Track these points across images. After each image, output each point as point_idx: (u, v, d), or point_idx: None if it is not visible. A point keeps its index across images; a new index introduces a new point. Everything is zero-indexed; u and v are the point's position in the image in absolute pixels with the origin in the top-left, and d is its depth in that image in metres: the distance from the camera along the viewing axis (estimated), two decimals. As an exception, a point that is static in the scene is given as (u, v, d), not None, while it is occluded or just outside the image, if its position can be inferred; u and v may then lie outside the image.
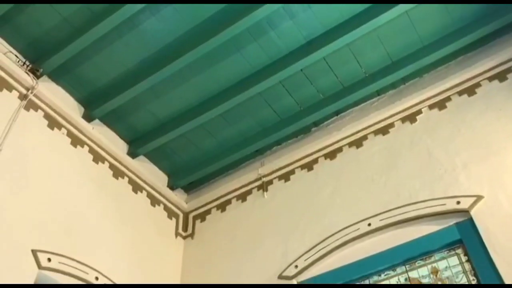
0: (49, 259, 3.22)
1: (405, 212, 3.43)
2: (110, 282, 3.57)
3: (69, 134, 3.93)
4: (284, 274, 3.71)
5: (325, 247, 3.66)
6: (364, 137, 4.11)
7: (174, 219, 4.73)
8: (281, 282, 3.68)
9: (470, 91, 3.77)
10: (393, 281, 3.31)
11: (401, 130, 3.96)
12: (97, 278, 3.50)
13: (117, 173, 4.26)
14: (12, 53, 3.70)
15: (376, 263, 3.39)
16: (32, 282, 3.06)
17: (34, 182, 3.40)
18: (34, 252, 3.15)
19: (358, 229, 3.57)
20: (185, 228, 4.74)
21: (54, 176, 3.59)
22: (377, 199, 3.65)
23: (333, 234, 3.67)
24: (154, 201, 4.56)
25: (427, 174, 3.52)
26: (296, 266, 3.69)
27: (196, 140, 4.57)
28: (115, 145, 4.32)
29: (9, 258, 2.98)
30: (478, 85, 3.76)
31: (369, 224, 3.54)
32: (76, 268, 3.38)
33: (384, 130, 4.04)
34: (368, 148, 4.03)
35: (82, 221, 3.64)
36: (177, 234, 4.65)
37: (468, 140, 3.51)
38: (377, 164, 3.86)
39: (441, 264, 3.19)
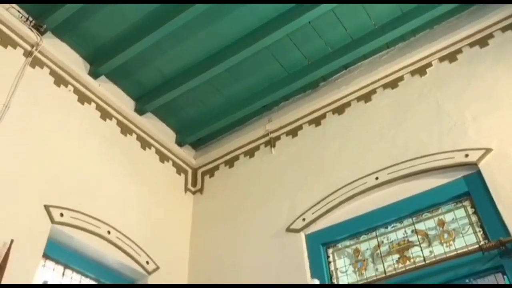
0: (61, 214, 3.28)
1: (413, 166, 3.44)
2: (122, 236, 3.65)
3: (76, 91, 3.92)
4: (292, 227, 3.77)
5: (332, 200, 3.70)
6: (373, 91, 4.07)
7: (183, 175, 4.78)
8: (289, 234, 3.75)
9: (482, 42, 3.69)
10: (400, 233, 3.35)
11: (410, 83, 3.91)
12: (109, 232, 3.58)
13: (125, 130, 4.28)
14: (15, 8, 3.64)
15: (383, 216, 3.42)
16: (46, 237, 3.13)
17: (44, 139, 3.43)
18: (46, 207, 3.21)
19: (366, 182, 3.59)
20: (194, 184, 4.80)
21: (63, 133, 3.61)
22: (385, 153, 3.65)
23: (340, 188, 3.70)
24: (163, 158, 4.60)
25: (436, 128, 3.50)
26: (304, 219, 3.74)
27: (203, 96, 4.54)
28: (122, 102, 4.31)
29: (23, 214, 3.05)
30: (490, 36, 3.67)
31: (377, 178, 3.56)
32: (88, 223, 3.45)
33: (393, 84, 3.99)
34: (377, 102, 4.00)
35: (92, 177, 3.69)
36: (186, 189, 4.71)
37: (478, 93, 3.46)
38: (386, 118, 3.84)
39: (448, 217, 3.22)
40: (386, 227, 3.43)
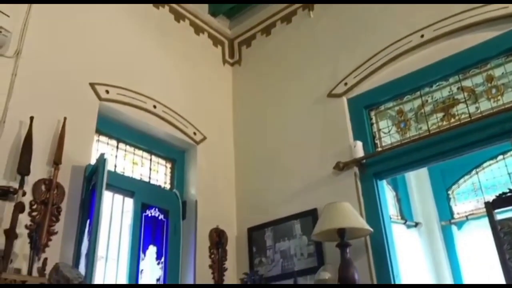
0: (107, 91, 3.37)
1: (462, 20, 3.23)
2: (167, 110, 3.76)
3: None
4: (334, 92, 3.76)
5: (375, 62, 3.60)
6: None
7: (219, 47, 4.71)
8: (331, 100, 3.75)
9: None
10: (445, 91, 3.29)
11: None
12: (155, 107, 3.68)
13: (158, 3, 4.16)
14: None
15: (428, 75, 3.33)
16: (96, 113, 3.26)
17: (85, 18, 3.39)
18: (92, 85, 3.29)
19: (411, 41, 3.44)
20: (231, 55, 4.75)
21: (103, 12, 3.55)
22: (431, 8, 3.43)
23: (383, 49, 3.57)
24: (198, 30, 4.51)
25: (488, -25, 3.21)
26: (346, 84, 3.71)
27: (233, -40, 4.27)
28: (152, -27, 4.13)
29: (72, 93, 3.15)
30: None
31: (422, 36, 3.40)
32: (134, 98, 3.55)
33: None
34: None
35: (132, 54, 3.70)
36: (224, 61, 4.68)
37: None
38: (433, -31, 3.53)
39: (497, 71, 3.10)
40: (431, 86, 3.36)
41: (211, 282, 3.54)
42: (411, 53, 3.45)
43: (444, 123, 3.23)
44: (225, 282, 3.60)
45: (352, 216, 2.96)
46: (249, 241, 3.79)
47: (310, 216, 3.48)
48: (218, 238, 3.71)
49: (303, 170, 3.70)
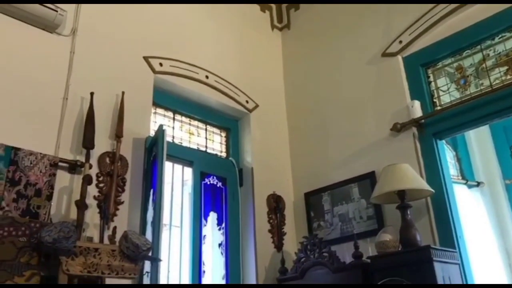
0: (160, 64, 3.43)
1: (526, -35, 3.01)
2: (219, 79, 3.79)
3: None
4: (388, 51, 3.64)
5: (431, 18, 3.45)
6: None
7: (267, 12, 4.65)
8: (385, 59, 3.64)
9: None
10: (509, 43, 3.10)
11: None
12: (207, 77, 3.72)
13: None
14: None
15: (489, 26, 3.15)
16: (151, 86, 3.33)
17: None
18: (146, 58, 3.36)
19: (469, -8, 3.25)
20: (279, 20, 4.68)
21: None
22: (492, -46, 3.21)
23: (439, 3, 3.40)
24: (244, -6, 4.46)
25: None
26: (400, 42, 3.58)
27: None
28: None
29: (128, 67, 3.23)
30: None
31: (482, -15, 3.19)
32: (186, 69, 3.59)
33: None
34: None
35: (182, 26, 3.73)
36: (272, 26, 4.63)
37: None
38: None
39: None
40: (493, 39, 3.18)
41: (271, 246, 3.61)
42: (470, 5, 3.26)
43: (508, 77, 3.06)
44: (284, 246, 3.66)
45: (412, 178, 2.91)
46: (306, 206, 3.82)
47: (368, 179, 3.45)
48: (275, 204, 3.76)
49: (359, 133, 3.64)
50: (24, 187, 2.43)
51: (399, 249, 2.84)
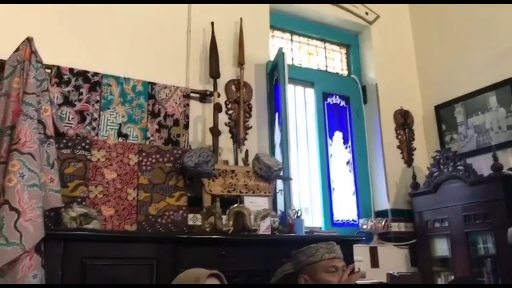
0: (274, -15, 3.36)
1: None
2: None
3: None
4: None
5: None
6: None
7: None
8: None
9: None
10: None
11: None
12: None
13: None
14: None
15: None
16: (267, 9, 3.31)
17: None
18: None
19: None
20: None
21: None
22: None
23: None
24: None
25: None
26: None
27: None
28: None
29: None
30: None
31: None
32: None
33: None
34: None
35: None
36: None
37: None
38: None
39: None
40: None
41: (401, 162, 3.54)
42: None
43: None
44: (415, 162, 3.57)
45: None
46: (437, 119, 3.62)
47: (508, 86, 3.13)
48: (403, 119, 3.63)
49: (495, 35, 3.27)
50: (163, 118, 2.65)
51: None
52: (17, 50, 2.11)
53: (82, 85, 2.46)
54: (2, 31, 2.33)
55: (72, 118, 2.39)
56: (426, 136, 3.71)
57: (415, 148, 3.63)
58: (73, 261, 1.83)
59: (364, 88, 3.69)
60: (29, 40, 2.12)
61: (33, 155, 1.84)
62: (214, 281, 1.46)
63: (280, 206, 2.77)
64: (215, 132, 2.72)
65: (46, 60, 2.24)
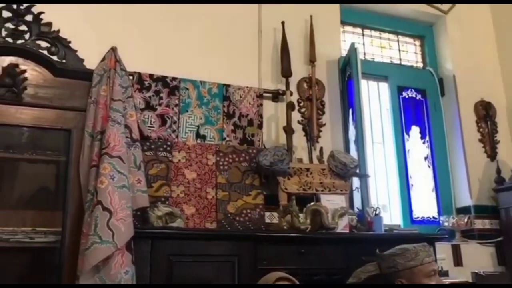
0: (344, -20, 3.31)
1: None
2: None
3: None
4: None
5: None
6: None
7: None
8: None
9: None
10: None
11: None
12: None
13: None
14: None
15: None
16: (337, 5, 3.27)
17: None
18: (329, -23, 3.28)
19: None
20: None
21: None
22: None
23: None
24: None
25: None
26: None
27: None
28: None
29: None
30: None
31: None
32: (371, -20, 3.41)
33: None
34: None
35: None
36: None
37: None
38: None
39: None
40: None
41: (483, 156, 3.36)
42: None
43: None
44: (499, 155, 3.38)
45: None
46: (524, 110, 3.41)
47: None
48: (485, 111, 3.45)
49: None
50: (238, 118, 2.71)
51: None
52: (103, 59, 2.26)
53: (161, 90, 2.58)
54: (89, 43, 2.49)
55: (153, 122, 2.51)
56: (511, 129, 3.50)
57: (499, 141, 3.43)
58: (160, 258, 1.92)
59: (441, 80, 3.54)
60: (113, 50, 2.26)
61: (121, 158, 1.96)
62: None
63: (357, 204, 2.74)
64: (288, 130, 2.73)
65: (128, 68, 2.37)
